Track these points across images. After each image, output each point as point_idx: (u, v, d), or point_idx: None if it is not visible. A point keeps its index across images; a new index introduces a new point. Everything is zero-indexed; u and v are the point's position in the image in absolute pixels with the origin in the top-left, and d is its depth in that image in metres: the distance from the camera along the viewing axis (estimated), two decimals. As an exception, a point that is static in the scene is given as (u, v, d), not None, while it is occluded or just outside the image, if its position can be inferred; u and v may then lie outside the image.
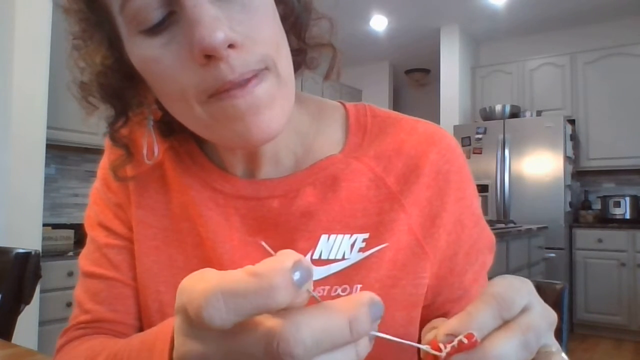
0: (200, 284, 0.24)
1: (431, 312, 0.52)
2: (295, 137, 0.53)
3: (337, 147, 0.54)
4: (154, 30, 0.41)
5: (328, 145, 0.54)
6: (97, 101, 0.49)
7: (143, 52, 0.42)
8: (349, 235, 0.50)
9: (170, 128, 0.54)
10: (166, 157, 0.55)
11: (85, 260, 0.57)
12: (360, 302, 0.24)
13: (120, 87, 0.47)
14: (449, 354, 0.26)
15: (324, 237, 0.50)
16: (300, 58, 0.52)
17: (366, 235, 0.50)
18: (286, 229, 0.51)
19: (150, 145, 0.51)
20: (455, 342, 0.26)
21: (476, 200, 0.55)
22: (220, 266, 0.50)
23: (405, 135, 0.53)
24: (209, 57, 0.39)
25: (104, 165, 0.59)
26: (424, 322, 0.52)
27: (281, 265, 0.23)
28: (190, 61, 0.40)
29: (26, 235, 2.39)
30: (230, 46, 0.39)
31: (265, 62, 0.42)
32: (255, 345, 0.23)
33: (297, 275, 0.23)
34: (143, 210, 0.55)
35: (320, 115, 0.56)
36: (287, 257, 0.23)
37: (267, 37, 0.43)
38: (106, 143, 0.59)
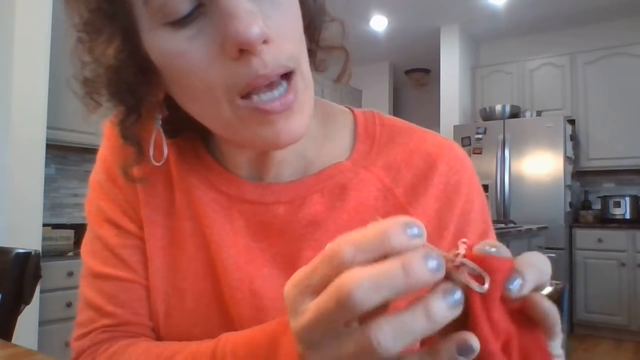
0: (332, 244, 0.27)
1: None
2: (305, 141, 0.51)
3: (345, 154, 0.53)
4: (181, 22, 0.40)
5: (336, 151, 0.53)
6: (100, 98, 0.47)
7: (167, 45, 0.41)
8: None
9: (175, 128, 0.52)
10: (170, 153, 0.53)
11: (93, 259, 0.54)
12: (415, 251, 0.26)
13: (133, 82, 0.45)
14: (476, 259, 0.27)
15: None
16: (310, 60, 0.51)
17: None
18: (292, 237, 0.50)
19: (159, 146, 0.49)
20: (490, 250, 0.27)
21: (485, 214, 0.53)
22: (224, 270, 0.50)
23: (414, 146, 0.53)
24: (241, 51, 0.38)
25: (104, 157, 0.56)
26: None
27: (397, 219, 0.26)
28: (219, 55, 0.39)
29: (26, 235, 2.39)
30: (264, 41, 0.39)
31: (293, 61, 0.42)
32: (329, 295, 0.25)
33: (409, 226, 0.26)
34: (151, 209, 0.54)
35: (328, 120, 0.55)
36: (403, 217, 0.26)
37: (294, 35, 0.43)
38: (105, 133, 0.57)
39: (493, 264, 0.27)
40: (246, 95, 0.41)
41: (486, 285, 0.26)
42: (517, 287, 0.27)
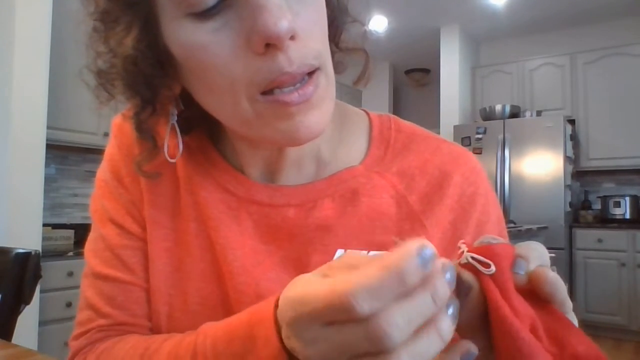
0: (338, 282, 0.26)
1: None
2: (320, 141, 0.50)
3: (359, 158, 0.52)
4: (206, 14, 0.38)
5: (350, 154, 0.52)
6: (113, 90, 0.45)
7: (190, 37, 0.39)
8: (366, 252, 0.47)
9: (187, 124, 0.50)
10: (177, 153, 0.52)
11: (95, 259, 0.54)
12: (435, 273, 0.26)
13: (150, 74, 0.43)
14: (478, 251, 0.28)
15: (339, 252, 0.47)
16: None
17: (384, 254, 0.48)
18: (301, 241, 0.49)
19: (174, 142, 0.48)
20: (491, 240, 0.29)
21: (501, 226, 0.52)
22: (230, 273, 0.48)
23: (430, 154, 0.52)
24: (268, 46, 0.38)
25: (111, 155, 0.55)
26: None
27: (407, 254, 0.25)
28: (244, 49, 0.38)
29: (26, 235, 2.39)
30: (291, 37, 0.38)
31: (319, 60, 0.41)
32: (361, 338, 0.26)
33: (421, 260, 0.25)
34: (155, 209, 0.53)
35: (343, 121, 0.54)
36: (410, 245, 0.26)
37: (321, 33, 0.42)
38: (113, 130, 0.56)
39: (495, 250, 0.28)
40: (267, 92, 0.40)
41: (493, 268, 0.28)
42: (523, 269, 0.29)
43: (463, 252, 0.29)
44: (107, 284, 0.52)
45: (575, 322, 0.30)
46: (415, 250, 0.25)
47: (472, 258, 0.28)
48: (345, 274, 0.27)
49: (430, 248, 0.26)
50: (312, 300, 0.27)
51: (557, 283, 0.29)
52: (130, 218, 0.53)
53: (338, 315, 0.26)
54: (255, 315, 0.36)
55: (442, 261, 0.27)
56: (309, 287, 0.28)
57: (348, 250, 0.31)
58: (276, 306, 0.34)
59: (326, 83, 0.42)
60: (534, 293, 0.29)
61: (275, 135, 0.42)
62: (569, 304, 0.30)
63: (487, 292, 0.28)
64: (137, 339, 0.49)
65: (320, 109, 0.42)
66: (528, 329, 0.27)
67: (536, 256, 0.30)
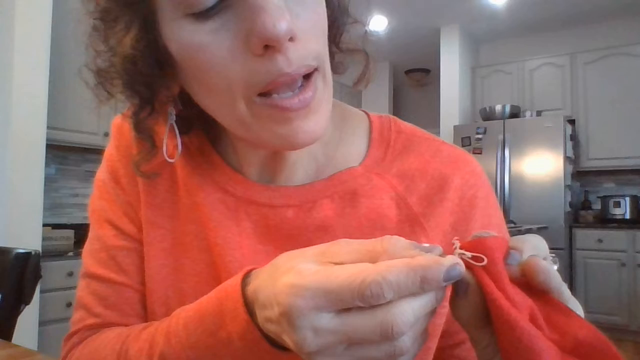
0: (366, 270, 0.28)
1: (445, 340, 0.51)
2: (320, 143, 0.50)
3: (358, 159, 0.52)
4: (204, 14, 0.38)
5: (350, 155, 0.52)
6: (112, 89, 0.45)
7: (189, 37, 0.39)
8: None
9: (186, 124, 0.50)
10: (175, 153, 0.52)
11: (90, 259, 0.54)
12: (439, 277, 0.28)
13: (149, 73, 0.43)
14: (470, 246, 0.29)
15: None
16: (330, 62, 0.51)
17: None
18: (300, 241, 0.49)
19: (173, 142, 0.48)
20: (483, 234, 0.30)
21: (502, 229, 0.52)
22: (228, 274, 0.48)
23: (430, 156, 0.52)
24: (266, 47, 0.37)
25: (110, 155, 0.56)
26: (438, 351, 0.51)
27: (437, 267, 0.28)
28: (242, 50, 0.38)
29: (26, 235, 2.39)
30: (290, 39, 0.38)
31: (317, 61, 0.41)
32: (373, 328, 0.28)
33: (446, 277, 0.28)
34: (152, 210, 0.53)
35: (343, 122, 0.54)
36: (444, 261, 0.28)
37: (320, 34, 0.42)
38: (113, 132, 0.56)
39: (487, 243, 0.29)
40: (265, 94, 0.40)
41: (485, 260, 0.29)
42: (517, 260, 0.30)
43: (456, 248, 0.29)
44: (100, 284, 0.53)
45: (580, 310, 0.30)
46: (447, 267, 0.28)
47: (463, 253, 0.29)
48: (359, 262, 0.29)
49: (461, 269, 0.28)
50: (335, 287, 0.28)
51: (549, 272, 0.29)
52: (126, 219, 0.53)
53: (361, 301, 0.28)
54: (223, 292, 0.37)
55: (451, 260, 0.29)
56: (325, 274, 0.29)
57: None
58: (244, 283, 0.35)
59: (323, 85, 0.42)
60: (530, 284, 0.29)
61: (273, 140, 0.42)
62: (567, 292, 0.30)
63: (483, 285, 0.28)
64: (121, 329, 0.49)
65: (318, 113, 0.42)
66: (527, 318, 0.28)
67: (530, 248, 0.30)
